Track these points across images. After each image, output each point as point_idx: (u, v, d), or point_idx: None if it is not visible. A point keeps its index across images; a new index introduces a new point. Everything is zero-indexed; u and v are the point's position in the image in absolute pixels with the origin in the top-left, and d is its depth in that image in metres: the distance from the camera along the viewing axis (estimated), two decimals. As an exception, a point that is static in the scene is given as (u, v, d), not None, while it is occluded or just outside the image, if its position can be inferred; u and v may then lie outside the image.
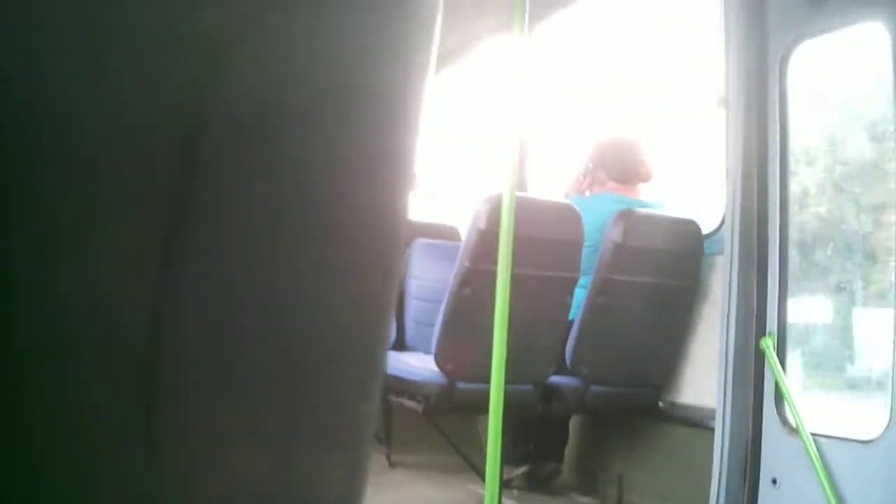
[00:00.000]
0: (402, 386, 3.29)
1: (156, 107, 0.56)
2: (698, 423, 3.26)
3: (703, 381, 3.30)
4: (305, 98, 0.62)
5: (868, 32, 2.75)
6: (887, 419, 2.57)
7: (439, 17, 0.69)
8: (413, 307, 4.22)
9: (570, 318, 3.31)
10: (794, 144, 3.02)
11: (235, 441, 0.64)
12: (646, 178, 3.70)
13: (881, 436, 2.61)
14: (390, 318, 0.74)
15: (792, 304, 2.96)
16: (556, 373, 3.34)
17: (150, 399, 0.59)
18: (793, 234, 3.01)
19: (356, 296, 0.69)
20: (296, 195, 0.63)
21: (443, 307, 3.11)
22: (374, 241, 0.70)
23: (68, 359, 0.56)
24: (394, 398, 3.32)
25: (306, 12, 0.61)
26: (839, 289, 3.00)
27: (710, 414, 3.10)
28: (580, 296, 3.29)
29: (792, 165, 3.11)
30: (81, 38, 0.54)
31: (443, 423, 3.59)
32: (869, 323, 2.99)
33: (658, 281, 3.36)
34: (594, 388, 3.36)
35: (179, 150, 0.57)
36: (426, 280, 4.21)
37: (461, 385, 3.11)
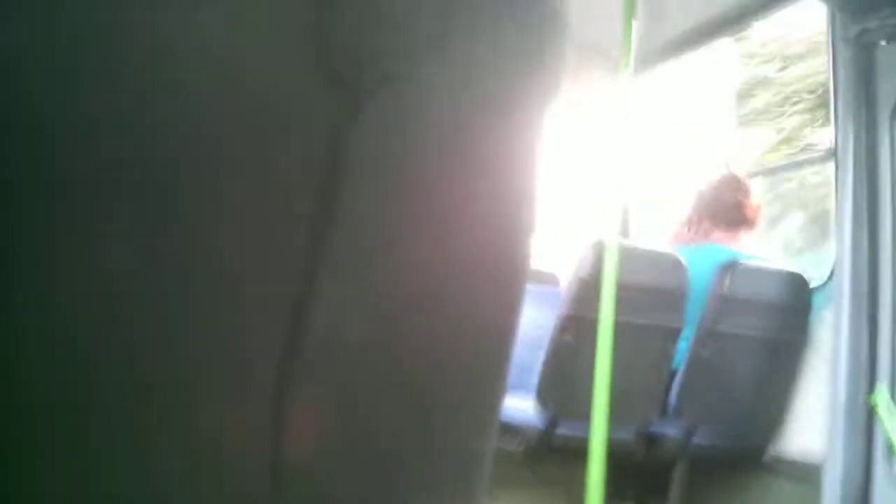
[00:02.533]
0: (504, 428, 3.30)
1: (308, 103, 0.55)
2: (805, 478, 3.18)
3: (811, 435, 3.23)
4: (448, 110, 0.61)
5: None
6: None
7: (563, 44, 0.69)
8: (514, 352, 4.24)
9: (673, 368, 3.29)
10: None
11: (357, 482, 0.61)
12: (751, 223, 3.65)
13: None
14: (511, 356, 0.73)
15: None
16: (660, 422, 3.31)
17: (276, 427, 0.56)
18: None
19: (483, 329, 0.69)
20: (431, 218, 0.62)
21: (544, 352, 3.13)
22: (504, 272, 0.69)
23: (198, 384, 0.54)
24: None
25: (461, 30, 0.60)
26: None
27: (818, 469, 3.04)
28: (683, 348, 3.27)
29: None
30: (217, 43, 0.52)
31: (542, 470, 3.58)
32: None
33: (764, 334, 3.32)
34: (696, 438, 3.32)
35: (326, 151, 0.56)
36: (526, 326, 4.22)
37: (561, 431, 3.12)
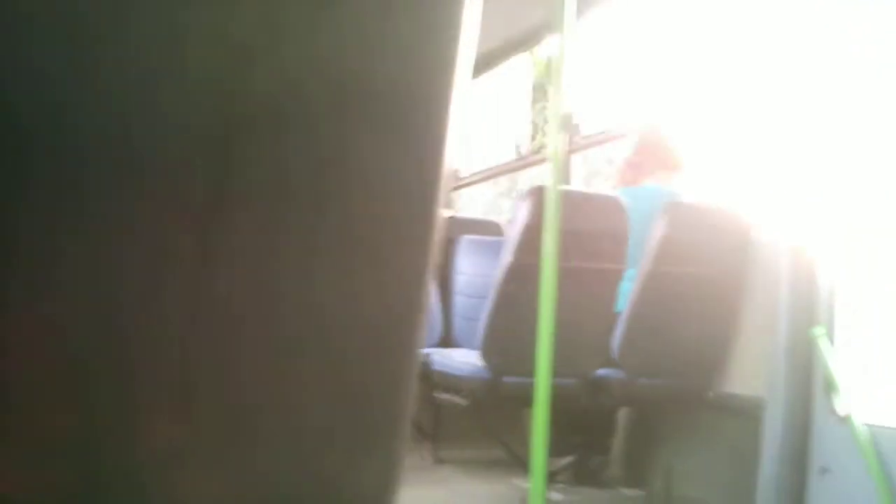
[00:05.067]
0: (448, 382, 3.30)
1: (186, 106, 0.58)
2: (747, 412, 3.23)
3: (752, 371, 3.28)
4: (332, 95, 0.63)
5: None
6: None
7: (468, 13, 0.69)
8: (459, 303, 4.24)
9: (617, 310, 3.30)
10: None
11: (271, 432, 0.65)
12: (684, 166, 3.69)
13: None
14: (424, 312, 0.74)
15: (845, 294, 2.94)
16: (603, 365, 3.34)
17: (187, 385, 0.61)
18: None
19: (390, 291, 0.70)
20: (326, 192, 0.64)
21: (488, 303, 3.12)
22: (409, 233, 0.70)
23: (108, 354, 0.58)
24: (440, 394, 3.34)
25: (331, 9, 0.62)
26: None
27: (759, 403, 3.09)
28: (627, 288, 3.28)
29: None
30: (109, 36, 0.55)
31: (489, 418, 3.60)
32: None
33: (706, 272, 3.33)
34: (641, 380, 3.35)
35: (210, 150, 0.58)
36: (472, 276, 4.22)
37: (507, 379, 3.13)
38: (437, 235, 0.72)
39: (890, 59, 2.83)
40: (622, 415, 3.87)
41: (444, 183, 0.71)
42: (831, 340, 2.96)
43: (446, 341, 4.14)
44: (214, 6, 0.57)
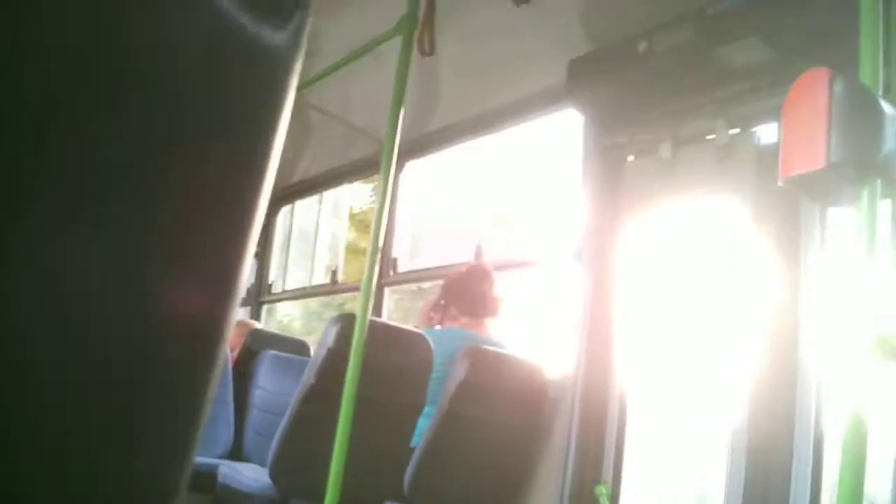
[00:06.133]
0: (234, 496, 3.21)
1: None
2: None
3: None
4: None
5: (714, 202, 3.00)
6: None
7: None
8: (255, 417, 4.16)
9: (413, 444, 3.32)
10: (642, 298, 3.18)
11: (68, 430, 0.63)
12: (493, 312, 3.79)
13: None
14: (225, 342, 0.74)
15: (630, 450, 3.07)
16: (394, 498, 3.32)
17: None
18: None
19: (198, 291, 0.70)
20: (130, 192, 0.63)
21: (284, 421, 3.08)
22: (223, 236, 0.70)
23: None
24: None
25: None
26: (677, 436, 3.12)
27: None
28: (423, 424, 3.32)
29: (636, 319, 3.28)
30: None
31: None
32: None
33: (501, 419, 3.42)
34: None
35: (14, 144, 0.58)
36: (271, 392, 4.17)
37: (294, 502, 3.07)
38: (254, 243, 0.72)
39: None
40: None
41: (266, 189, 0.71)
42: (616, 497, 3.07)
43: (236, 454, 4.03)
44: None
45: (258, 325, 5.39)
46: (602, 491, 3.04)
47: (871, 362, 1.50)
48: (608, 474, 3.11)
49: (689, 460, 3.01)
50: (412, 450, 3.32)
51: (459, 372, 3.29)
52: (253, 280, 5.99)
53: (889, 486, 2.27)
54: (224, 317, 0.73)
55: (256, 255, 5.94)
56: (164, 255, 0.66)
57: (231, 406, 4.17)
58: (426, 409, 3.30)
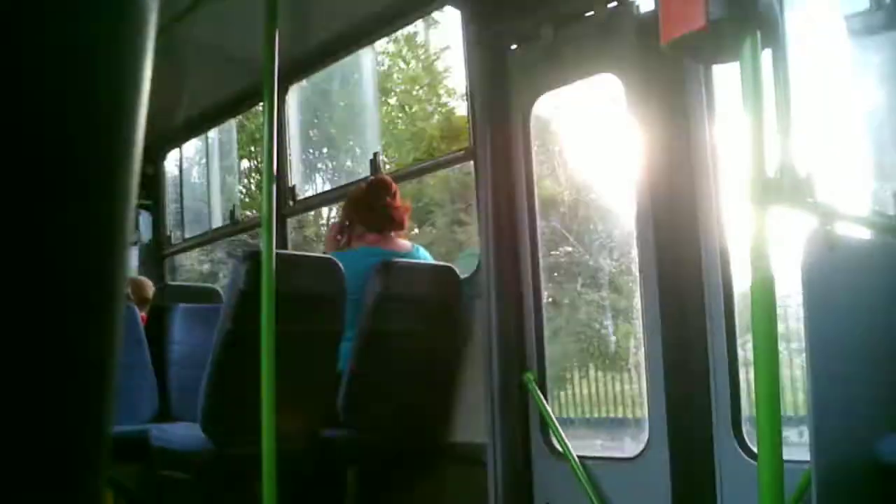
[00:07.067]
0: (168, 457, 3.16)
1: None
2: (471, 459, 3.34)
3: (472, 419, 3.39)
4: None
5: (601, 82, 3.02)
6: (646, 437, 2.84)
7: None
8: (177, 375, 4.08)
9: (339, 370, 3.31)
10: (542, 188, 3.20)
11: None
12: (399, 224, 3.75)
13: (641, 452, 2.85)
14: (117, 300, 0.70)
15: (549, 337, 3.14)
16: (329, 426, 3.32)
17: None
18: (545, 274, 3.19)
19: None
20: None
21: (206, 372, 3.02)
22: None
23: None
24: (163, 472, 3.19)
25: None
26: (590, 321, 3.19)
27: (482, 449, 3.20)
28: (346, 349, 3.30)
29: (539, 208, 3.31)
30: None
31: (217, 493, 3.47)
32: (620, 352, 3.20)
33: (422, 328, 3.43)
34: (367, 437, 3.36)
35: None
36: (189, 346, 4.09)
37: (231, 451, 3.03)
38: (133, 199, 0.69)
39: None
40: (353, 474, 3.85)
41: (138, 132, 0.67)
42: (542, 382, 3.15)
43: (164, 416, 3.96)
44: None
45: (166, 281, 5.27)
46: (529, 377, 3.12)
47: (758, 206, 1.54)
48: (532, 362, 3.17)
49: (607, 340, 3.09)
50: (340, 375, 3.31)
51: (374, 290, 3.27)
52: (150, 235, 5.81)
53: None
54: (110, 272, 0.68)
55: (147, 207, 5.76)
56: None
57: (150, 369, 4.07)
58: (347, 334, 3.29)
